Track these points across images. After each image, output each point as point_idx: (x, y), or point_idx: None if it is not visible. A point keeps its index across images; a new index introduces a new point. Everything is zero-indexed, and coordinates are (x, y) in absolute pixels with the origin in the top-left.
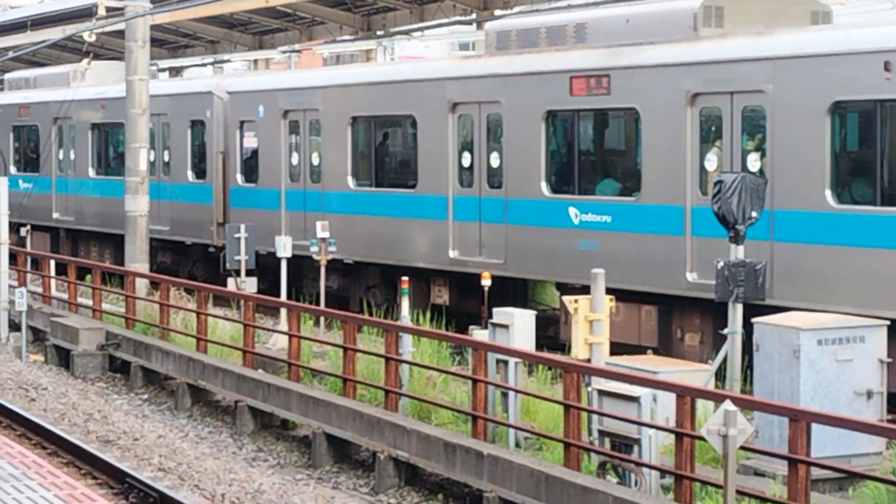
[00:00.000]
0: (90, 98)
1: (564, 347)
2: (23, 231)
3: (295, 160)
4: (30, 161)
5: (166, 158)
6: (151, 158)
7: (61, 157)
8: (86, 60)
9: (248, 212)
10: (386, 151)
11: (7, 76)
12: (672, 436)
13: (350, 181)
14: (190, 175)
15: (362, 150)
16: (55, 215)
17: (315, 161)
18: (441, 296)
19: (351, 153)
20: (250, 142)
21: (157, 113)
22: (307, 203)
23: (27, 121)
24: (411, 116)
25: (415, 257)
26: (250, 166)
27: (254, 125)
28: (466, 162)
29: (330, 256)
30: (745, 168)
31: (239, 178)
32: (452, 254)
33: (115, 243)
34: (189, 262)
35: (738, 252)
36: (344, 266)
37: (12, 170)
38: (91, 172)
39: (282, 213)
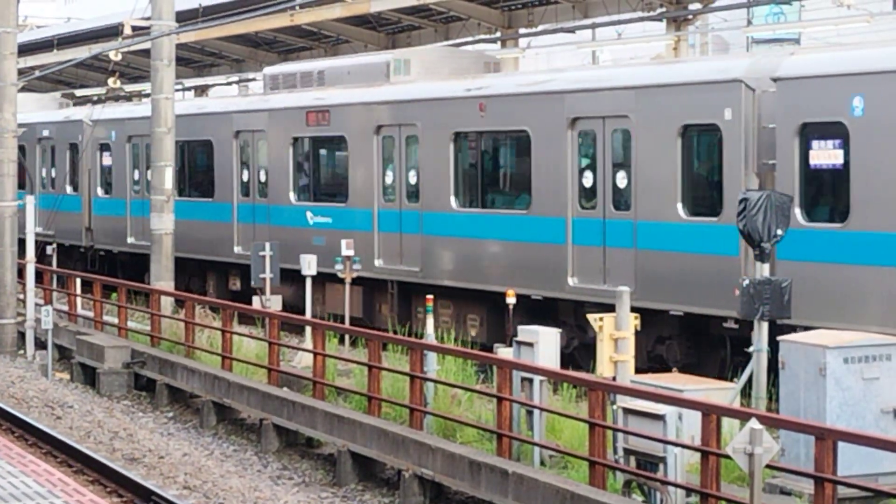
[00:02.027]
0: (443, 96)
1: None
2: (48, 249)
3: None
4: (330, 187)
5: (604, 184)
6: (588, 184)
7: (389, 181)
8: (112, 79)
9: (822, 268)
10: None
11: (268, 70)
12: (697, 454)
13: None
14: (680, 210)
15: None
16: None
17: None
18: None
19: None
20: (824, 156)
21: (588, 115)
22: None
23: (324, 130)
24: None
25: None
26: (828, 195)
27: (836, 129)
28: None
29: (355, 274)
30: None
31: (799, 215)
32: None
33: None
34: (651, 340)
35: (764, 270)
36: None
37: (291, 198)
38: (454, 204)
39: None
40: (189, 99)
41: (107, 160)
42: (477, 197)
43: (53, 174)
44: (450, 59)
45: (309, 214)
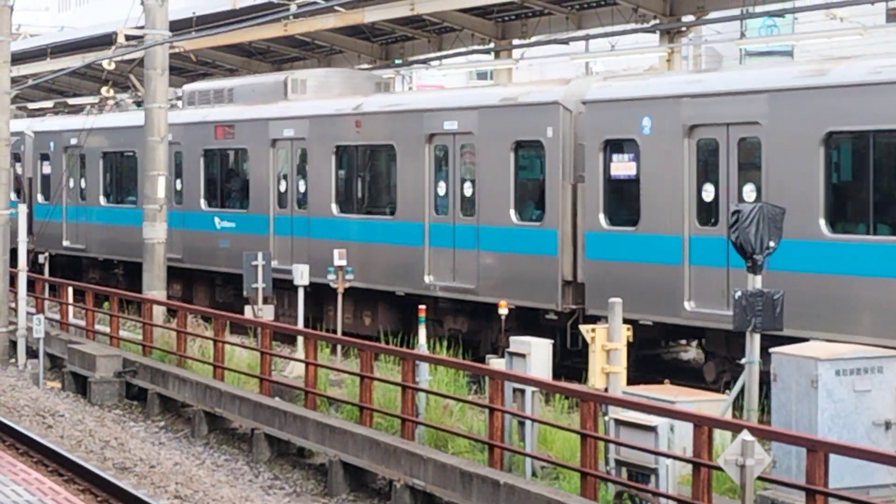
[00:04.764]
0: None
1: None
2: (41, 258)
3: None
4: None
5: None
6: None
7: None
8: (104, 89)
9: None
10: None
11: None
12: (689, 465)
13: None
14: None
15: None
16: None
17: None
18: None
19: None
20: None
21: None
22: None
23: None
24: None
25: None
26: None
27: None
28: None
29: (348, 284)
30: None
31: None
32: None
33: None
34: None
35: (756, 282)
36: None
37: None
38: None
39: None
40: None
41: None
42: None
43: (445, 190)
44: None
45: None
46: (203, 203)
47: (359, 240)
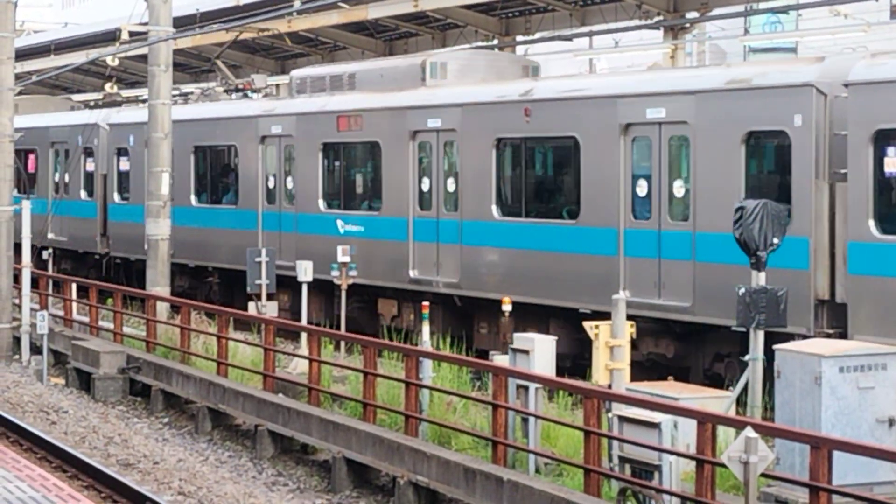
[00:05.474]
0: None
1: None
2: (45, 254)
3: None
4: None
5: None
6: None
7: None
8: (108, 85)
9: None
10: None
11: None
12: (693, 462)
13: None
14: None
15: None
16: None
17: None
18: None
19: None
20: None
21: None
22: None
23: None
24: None
25: None
26: None
27: None
28: None
29: (351, 281)
30: None
31: None
32: None
33: None
34: None
35: (760, 279)
36: None
37: None
38: None
39: None
40: None
41: None
42: None
43: (646, 189)
44: None
45: None
46: (322, 204)
47: (526, 247)
